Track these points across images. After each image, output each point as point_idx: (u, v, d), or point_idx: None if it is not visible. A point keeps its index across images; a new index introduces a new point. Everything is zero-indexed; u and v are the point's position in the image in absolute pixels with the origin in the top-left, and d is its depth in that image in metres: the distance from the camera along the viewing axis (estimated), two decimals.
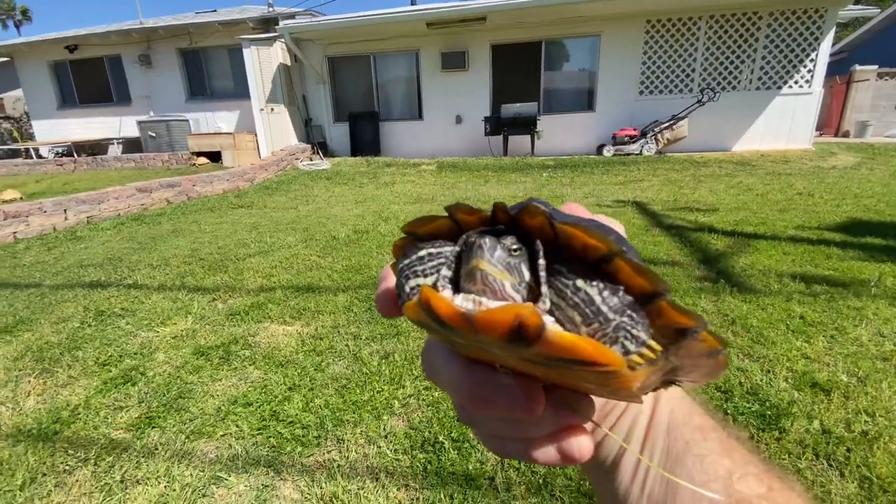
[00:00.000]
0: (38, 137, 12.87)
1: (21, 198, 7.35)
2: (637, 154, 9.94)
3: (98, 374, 2.53)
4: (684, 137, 9.82)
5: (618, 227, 0.29)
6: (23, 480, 1.79)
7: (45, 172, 10.66)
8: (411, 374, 2.39)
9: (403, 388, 2.29)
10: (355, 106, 11.72)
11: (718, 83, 10.02)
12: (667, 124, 9.74)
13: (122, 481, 1.77)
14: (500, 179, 8.93)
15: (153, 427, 2.08)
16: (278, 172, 10.19)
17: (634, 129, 10.05)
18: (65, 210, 6.10)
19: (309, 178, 9.85)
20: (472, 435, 1.79)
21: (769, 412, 1.92)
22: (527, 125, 10.07)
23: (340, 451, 1.89)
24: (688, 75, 10.12)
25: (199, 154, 10.64)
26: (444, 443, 1.89)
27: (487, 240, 0.22)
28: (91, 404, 2.26)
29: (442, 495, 1.64)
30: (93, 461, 1.88)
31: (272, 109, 10.70)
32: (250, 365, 2.57)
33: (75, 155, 11.62)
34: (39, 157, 12.06)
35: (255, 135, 10.79)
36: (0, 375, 2.54)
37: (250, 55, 10.12)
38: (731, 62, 9.87)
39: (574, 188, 7.79)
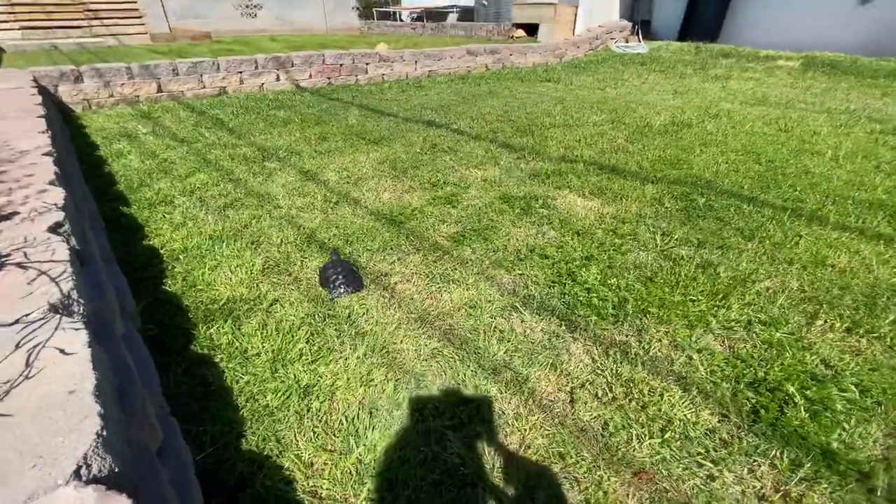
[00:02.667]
0: (403, 2, 15.54)
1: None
2: None
3: (429, 190, 2.96)
4: None
5: None
6: (379, 245, 2.27)
7: (402, 34, 12.98)
8: (742, 299, 1.86)
9: (728, 309, 1.80)
10: None
11: None
12: None
13: (441, 275, 2.03)
14: None
15: (464, 245, 2.30)
16: (588, 52, 9.43)
17: None
18: (415, 62, 7.24)
19: (620, 61, 8.77)
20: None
21: None
22: None
23: (640, 341, 1.65)
24: None
25: (519, 26, 10.76)
26: (792, 394, 1.39)
27: None
28: (424, 210, 2.66)
29: (776, 453, 1.23)
30: (423, 251, 2.23)
31: None
32: (547, 224, 2.52)
33: (424, 20, 13.57)
34: (401, 20, 14.65)
35: (577, 7, 10.02)
36: (370, 171, 3.28)
37: None
38: None
39: None
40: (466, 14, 13.22)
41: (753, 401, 1.40)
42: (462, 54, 7.68)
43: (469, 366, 1.52)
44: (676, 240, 2.34)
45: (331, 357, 1.54)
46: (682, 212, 2.66)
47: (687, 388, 1.45)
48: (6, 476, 0.63)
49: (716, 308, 1.82)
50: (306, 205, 2.72)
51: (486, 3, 11.66)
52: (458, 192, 2.91)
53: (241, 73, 5.82)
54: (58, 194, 1.55)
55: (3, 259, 1.14)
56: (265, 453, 1.19)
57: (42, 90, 4.19)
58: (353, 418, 1.31)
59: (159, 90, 5.26)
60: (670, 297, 1.88)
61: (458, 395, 1.41)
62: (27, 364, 0.82)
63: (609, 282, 1.98)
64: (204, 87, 5.58)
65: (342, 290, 1.86)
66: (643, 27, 10.11)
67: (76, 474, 0.64)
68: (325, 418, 1.30)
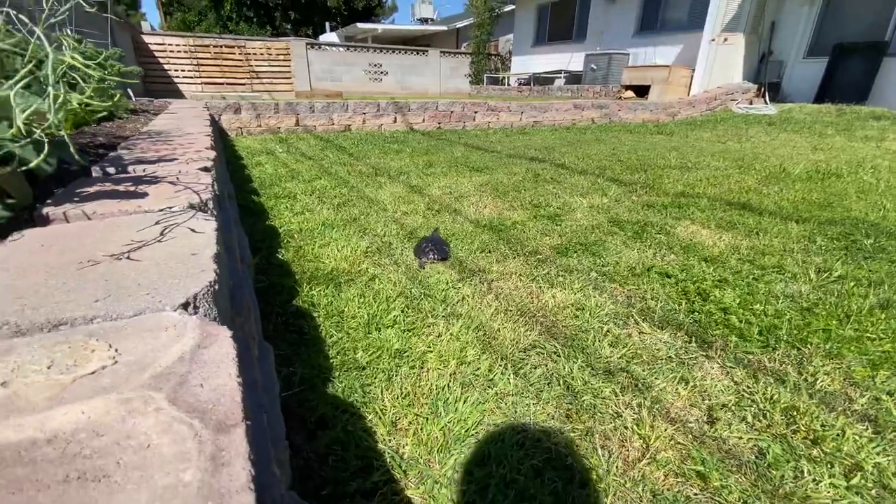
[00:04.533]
0: (512, 69, 16.54)
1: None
2: None
3: (530, 210, 2.87)
4: None
5: None
6: (478, 245, 2.20)
7: (509, 95, 13.68)
8: None
9: None
10: (850, 34, 8.46)
11: None
12: None
13: (543, 276, 1.87)
14: None
15: (569, 256, 2.13)
16: (705, 112, 8.96)
17: None
18: (521, 112, 7.48)
19: (743, 121, 8.16)
20: None
21: None
22: None
23: (800, 371, 1.30)
24: None
25: (628, 87, 10.71)
26: None
27: None
28: (526, 224, 2.57)
29: None
30: (523, 256, 2.10)
31: (725, 40, 9.21)
32: (666, 248, 2.26)
33: (531, 84, 14.22)
34: (508, 84, 15.52)
35: (692, 70, 9.74)
36: (472, 190, 3.31)
37: None
38: None
39: None
40: (574, 79, 13.58)
41: None
42: (568, 107, 7.78)
43: (576, 362, 1.32)
44: (838, 276, 1.92)
45: (424, 329, 1.44)
46: (842, 251, 2.21)
47: (879, 431, 1.08)
48: (120, 296, 0.62)
49: None
50: (410, 210, 2.79)
51: (594, 66, 11.89)
52: (561, 213, 2.78)
53: (364, 114, 6.49)
54: (210, 153, 1.74)
55: (160, 179, 1.27)
56: (350, 400, 1.10)
57: (210, 118, 5.05)
58: (444, 387, 1.17)
59: (297, 123, 6.04)
60: (838, 330, 1.50)
61: (563, 387, 1.21)
62: (161, 234, 0.85)
63: (752, 307, 1.66)
64: (333, 123, 6.30)
65: (431, 257, 1.98)
66: (771, 89, 9.42)
67: (183, 307, 0.61)
68: (414, 381, 1.18)
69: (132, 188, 1.16)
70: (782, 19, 9.40)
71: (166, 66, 10.94)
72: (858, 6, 8.49)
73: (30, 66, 0.90)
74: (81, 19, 4.47)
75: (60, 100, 0.75)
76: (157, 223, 0.91)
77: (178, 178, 1.28)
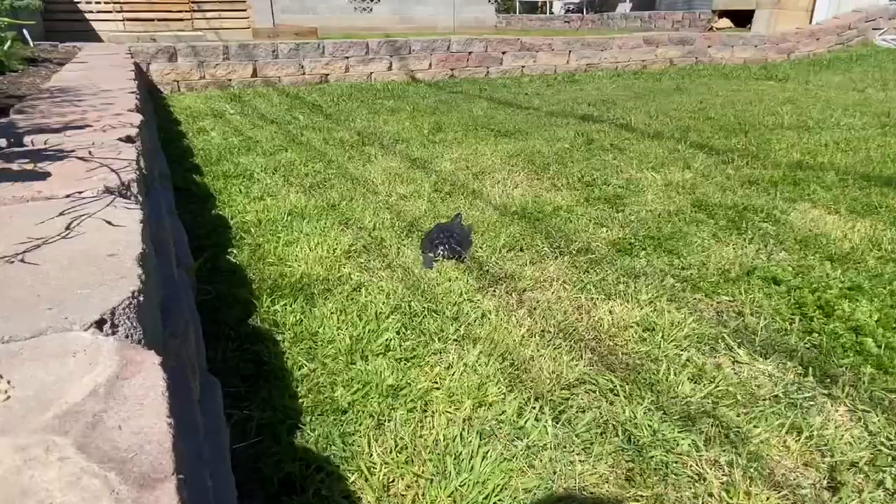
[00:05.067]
0: None
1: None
2: None
3: (580, 190, 2.88)
4: None
5: None
6: (505, 241, 2.22)
7: (551, 28, 13.66)
8: None
9: None
10: None
11: None
12: None
13: (596, 284, 1.89)
14: None
15: (634, 255, 2.14)
16: (835, 46, 8.83)
17: None
18: (569, 52, 7.47)
19: (891, 58, 8.02)
20: None
21: None
22: None
23: None
24: None
25: (723, 14, 10.59)
26: None
27: None
28: (573, 210, 2.58)
29: None
30: (569, 254, 2.12)
31: None
32: (774, 242, 2.26)
33: (584, 11, 14.16)
34: (551, 12, 15.49)
35: None
36: (497, 163, 3.33)
37: None
38: None
39: None
40: (645, 3, 13.49)
41: None
42: (636, 44, 7.73)
43: (641, 403, 1.33)
44: None
45: (429, 358, 1.47)
46: None
47: None
48: (13, 312, 0.65)
49: None
50: (410, 192, 2.82)
51: None
52: (624, 195, 2.79)
53: (347, 58, 6.55)
54: (134, 118, 1.79)
55: (67, 153, 1.32)
56: (326, 454, 1.13)
57: (135, 67, 5.18)
58: (456, 438, 1.19)
59: (254, 74, 6.14)
60: None
61: (623, 438, 1.22)
62: (67, 228, 0.89)
63: (891, 321, 1.64)
64: (304, 73, 6.38)
65: (440, 251, 2.05)
66: None
67: (97, 325, 0.64)
68: (414, 428, 1.21)
69: (29, 166, 1.20)
70: None
71: None
72: None
73: None
74: None
75: None
76: (62, 213, 0.95)
77: (90, 152, 1.33)
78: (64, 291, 0.70)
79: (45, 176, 1.13)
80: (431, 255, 2.05)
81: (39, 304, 0.67)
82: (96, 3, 11.40)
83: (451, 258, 2.04)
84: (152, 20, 12.11)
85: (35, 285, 0.71)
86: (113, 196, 1.04)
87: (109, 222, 0.92)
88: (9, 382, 0.52)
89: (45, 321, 0.64)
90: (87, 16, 11.42)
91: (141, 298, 0.71)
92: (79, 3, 11.33)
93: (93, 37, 10.42)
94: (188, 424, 0.78)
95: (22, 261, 0.78)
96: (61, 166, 1.22)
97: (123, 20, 11.79)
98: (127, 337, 0.67)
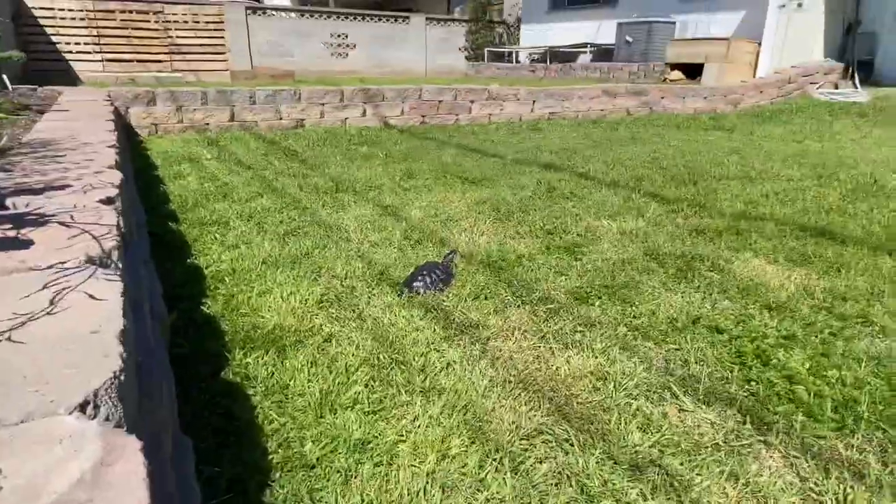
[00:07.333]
0: (521, 42, 17.08)
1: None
2: None
3: (542, 238, 2.98)
4: None
5: None
6: (470, 290, 2.28)
7: (518, 77, 14.08)
8: None
9: None
10: None
11: None
12: None
13: (555, 334, 1.95)
14: None
15: (590, 304, 2.23)
16: (777, 98, 9.31)
17: None
18: (533, 101, 7.73)
19: (827, 111, 8.49)
20: None
21: None
22: None
23: (885, 462, 1.38)
24: None
25: (675, 66, 11.09)
26: None
27: None
28: (535, 259, 2.67)
29: None
30: (530, 304, 2.19)
31: (799, 5, 9.65)
32: (718, 291, 2.36)
33: (547, 61, 14.66)
34: (517, 61, 15.98)
35: (759, 44, 10.15)
36: (464, 211, 3.42)
37: None
38: None
39: None
40: (604, 55, 14.01)
41: None
42: (596, 94, 8.05)
43: (594, 454, 1.38)
44: None
45: (395, 410, 1.50)
46: None
47: None
48: (6, 396, 0.68)
49: None
50: (381, 240, 2.87)
51: (630, 39, 12.33)
52: (583, 243, 2.89)
53: (322, 104, 6.66)
54: (114, 176, 1.82)
55: (49, 218, 1.35)
56: None
57: (114, 111, 5.18)
58: (419, 492, 1.22)
59: (232, 118, 6.19)
60: None
61: (576, 489, 1.26)
62: (51, 302, 0.92)
63: (826, 373, 1.74)
64: (280, 118, 6.45)
65: (419, 283, 2.24)
66: (861, 69, 9.82)
67: (81, 408, 0.67)
68: (380, 483, 1.24)
69: (12, 233, 1.23)
70: None
71: (55, 39, 11.15)
72: None
73: None
74: None
75: None
76: (45, 286, 0.98)
77: (72, 217, 1.36)
78: (49, 372, 0.73)
79: (28, 244, 1.16)
80: (408, 289, 2.24)
81: (27, 387, 0.70)
82: (76, 43, 11.36)
83: (428, 291, 2.21)
84: (132, 61, 12.12)
85: (22, 366, 0.74)
86: (95, 267, 1.07)
87: (92, 296, 0.95)
88: (1, 471, 0.55)
89: (32, 404, 0.67)
90: (67, 56, 11.35)
91: (122, 377, 0.75)
92: (58, 43, 11.26)
93: (73, 77, 10.33)
94: (164, 498, 0.80)
95: (9, 339, 0.81)
96: (43, 233, 1.24)
97: (103, 61, 11.77)
98: (108, 418, 0.70)
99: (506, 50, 17.01)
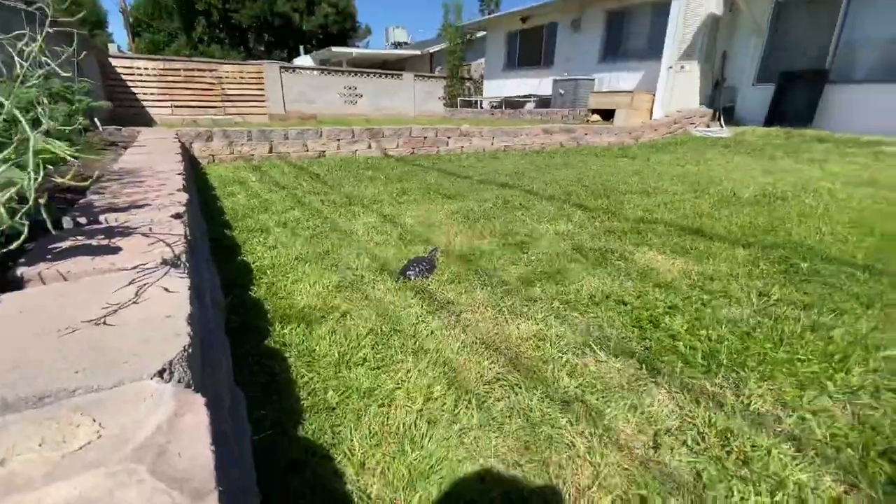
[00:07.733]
0: (484, 93, 17.03)
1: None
2: None
3: (499, 238, 2.99)
4: None
5: None
6: (448, 277, 2.28)
7: (482, 118, 14.07)
8: (865, 365, 1.57)
9: (847, 373, 1.53)
10: (794, 63, 9.16)
11: None
12: None
13: (509, 308, 1.97)
14: None
15: (534, 286, 2.25)
16: (667, 134, 9.45)
17: None
18: (493, 137, 7.73)
19: (702, 143, 8.64)
20: None
21: None
22: None
23: (738, 395, 1.43)
24: None
25: (595, 111, 11.19)
26: None
27: None
28: (494, 253, 2.68)
29: None
30: (491, 286, 2.20)
31: (682, 67, 9.81)
32: (624, 275, 2.40)
33: (503, 107, 14.66)
34: (481, 107, 15.95)
35: (654, 95, 10.29)
36: (444, 219, 3.42)
37: (678, 7, 9.42)
38: None
39: None
40: (543, 103, 14.06)
41: (889, 472, 1.12)
42: (538, 132, 8.08)
43: (535, 394, 1.41)
44: (777, 300, 2.10)
45: (393, 367, 1.51)
46: (782, 274, 2.40)
47: (801, 450, 1.20)
48: (99, 366, 0.67)
49: (832, 371, 1.55)
50: (382, 241, 2.86)
51: (562, 91, 12.39)
52: (529, 242, 2.91)
53: (339, 140, 6.58)
54: (182, 196, 1.78)
55: (132, 230, 1.32)
56: (320, 442, 1.15)
57: (181, 146, 5.04)
58: (411, 425, 1.24)
59: (270, 150, 6.07)
60: (773, 353, 1.64)
61: (523, 419, 1.29)
62: (136, 295, 0.91)
63: (698, 332, 1.79)
64: (307, 150, 6.35)
65: (411, 272, 2.25)
66: (726, 113, 10.03)
67: (160, 374, 0.67)
68: (383, 419, 1.25)
69: (105, 242, 1.20)
70: (733, 49, 10.10)
71: (134, 90, 10.81)
72: (801, 37, 9.22)
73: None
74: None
75: (39, 179, 0.81)
76: (131, 282, 0.96)
77: (150, 229, 1.33)
78: (135, 348, 0.73)
79: (117, 250, 1.13)
80: (402, 276, 2.26)
81: (119, 359, 0.70)
82: (150, 93, 11.03)
83: (420, 277, 2.26)
84: (194, 107, 11.80)
85: (115, 344, 0.74)
86: (168, 266, 1.05)
87: (166, 289, 0.94)
88: (100, 424, 0.55)
89: (123, 372, 0.66)
90: (144, 103, 11.02)
91: (190, 350, 0.74)
92: (137, 94, 10.92)
93: (148, 119, 10.05)
94: (222, 438, 0.80)
95: (105, 323, 0.80)
96: (129, 241, 1.22)
97: (172, 107, 11.45)
98: (180, 381, 0.70)
99: (473, 99, 16.97)
